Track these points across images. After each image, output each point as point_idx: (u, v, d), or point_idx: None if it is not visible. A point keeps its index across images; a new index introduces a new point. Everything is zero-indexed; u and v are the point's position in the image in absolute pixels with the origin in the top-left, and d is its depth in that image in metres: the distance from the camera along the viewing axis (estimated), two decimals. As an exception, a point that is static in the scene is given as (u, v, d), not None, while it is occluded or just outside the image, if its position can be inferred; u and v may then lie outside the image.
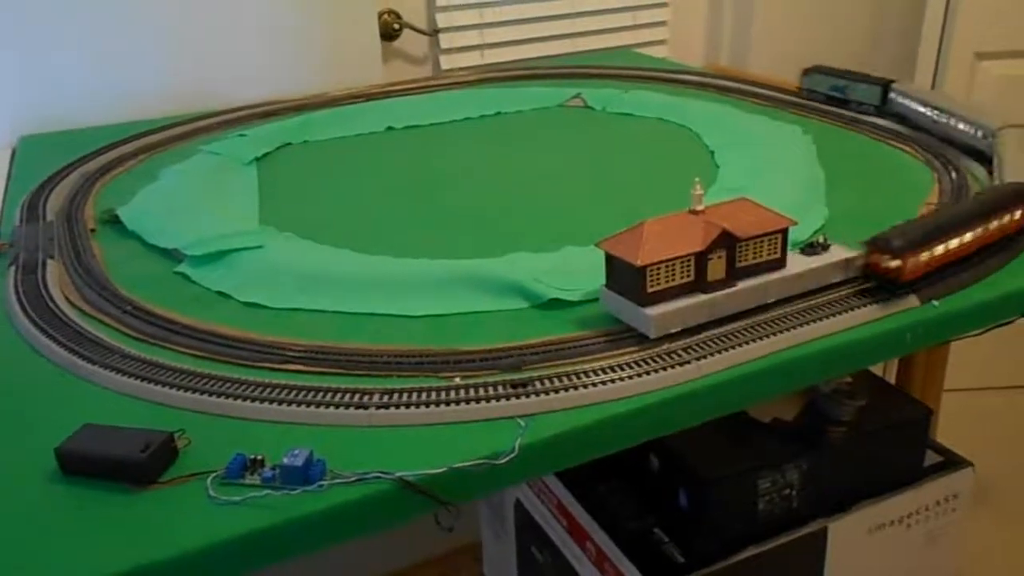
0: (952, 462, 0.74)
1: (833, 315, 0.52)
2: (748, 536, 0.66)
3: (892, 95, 0.92)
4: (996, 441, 1.51)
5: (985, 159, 0.79)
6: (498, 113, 1.06)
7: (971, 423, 1.31)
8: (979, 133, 0.82)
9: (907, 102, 0.90)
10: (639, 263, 0.49)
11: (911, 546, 0.73)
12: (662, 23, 1.47)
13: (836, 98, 0.98)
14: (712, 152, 0.87)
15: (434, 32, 1.30)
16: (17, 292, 0.60)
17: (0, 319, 0.58)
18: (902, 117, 0.91)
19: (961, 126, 0.84)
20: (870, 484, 0.70)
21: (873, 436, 0.70)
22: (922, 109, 0.88)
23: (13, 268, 0.65)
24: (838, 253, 0.56)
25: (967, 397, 1.53)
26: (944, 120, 0.85)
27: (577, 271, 0.59)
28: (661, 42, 1.47)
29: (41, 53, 1.05)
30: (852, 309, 0.53)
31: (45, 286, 0.61)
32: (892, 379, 0.94)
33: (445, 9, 1.30)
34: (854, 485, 0.70)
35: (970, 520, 0.75)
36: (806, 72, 1.03)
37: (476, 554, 1.04)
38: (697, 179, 0.54)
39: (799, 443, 0.68)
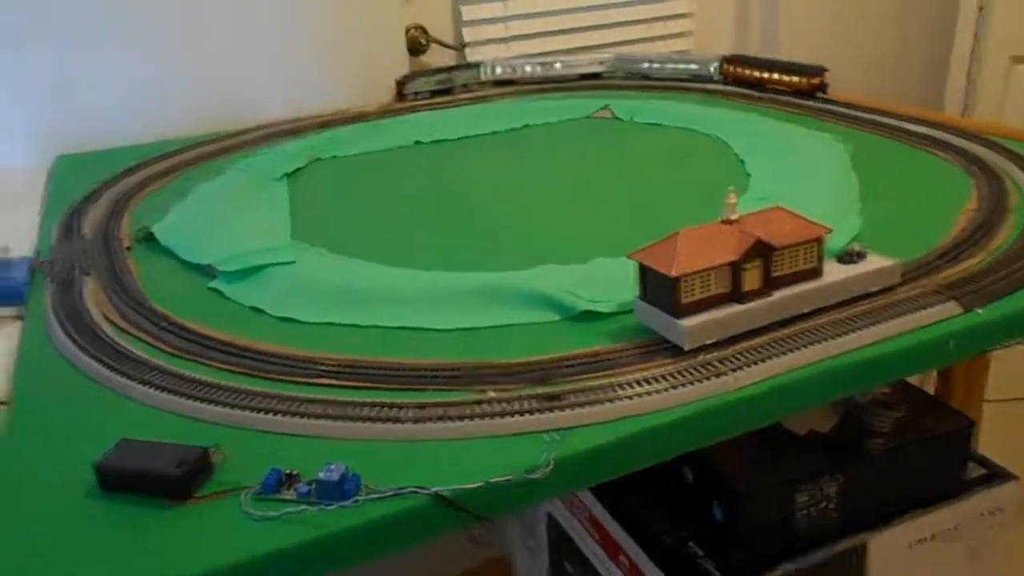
0: (996, 475, 0.72)
1: (872, 324, 0.51)
2: (785, 551, 0.65)
3: (486, 69, 1.16)
4: (1039, 453, 1.47)
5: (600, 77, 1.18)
6: (525, 126, 1.06)
7: (1015, 434, 1.27)
8: (598, 64, 1.17)
9: (505, 68, 1.16)
10: (674, 274, 0.48)
11: (953, 561, 0.71)
12: (688, 33, 1.46)
13: (443, 90, 1.17)
14: (742, 161, 0.86)
15: (461, 47, 1.31)
16: (55, 308, 0.61)
17: (39, 335, 0.59)
18: (509, 81, 1.16)
19: (563, 64, 1.16)
20: (910, 497, 0.69)
21: (913, 448, 0.68)
22: (529, 68, 1.16)
23: (51, 285, 0.66)
24: (875, 262, 0.55)
25: (1010, 408, 1.49)
26: (556, 66, 1.15)
27: (608, 283, 0.58)
28: (686, 52, 1.47)
29: (76, 76, 1.07)
30: (892, 318, 0.52)
31: (82, 302, 0.62)
32: (931, 389, 0.92)
33: (471, 23, 1.30)
34: (894, 498, 0.68)
35: (1015, 535, 0.73)
36: (401, 82, 1.18)
37: (505, 567, 1.03)
38: (731, 188, 0.53)
39: (836, 455, 0.66)
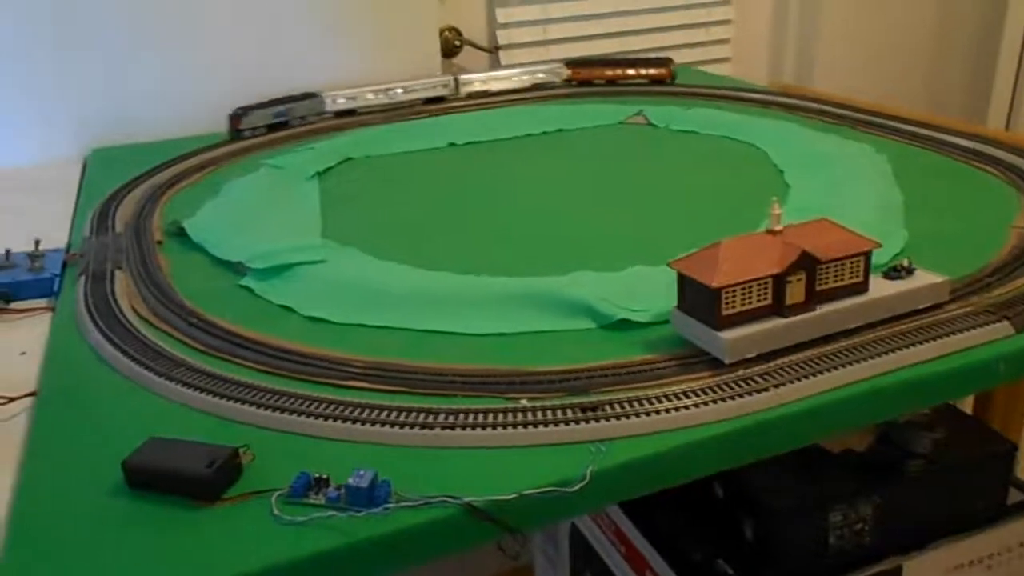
0: (1038, 501, 0.70)
1: (919, 343, 0.50)
2: (818, 572, 0.63)
3: (324, 100, 1.11)
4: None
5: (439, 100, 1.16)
6: (559, 130, 1.05)
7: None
8: (442, 88, 1.16)
9: (348, 99, 1.12)
10: (715, 285, 0.47)
11: (992, 589, 0.69)
12: (725, 40, 1.45)
13: (280, 124, 1.08)
14: (781, 171, 0.85)
15: (494, 49, 1.31)
16: (87, 302, 0.61)
17: (70, 329, 0.59)
18: (350, 112, 1.12)
19: (405, 90, 1.15)
20: (948, 521, 0.67)
21: (952, 470, 0.66)
22: (371, 96, 1.13)
23: (83, 278, 0.65)
24: (924, 278, 0.53)
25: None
26: (397, 91, 1.14)
27: (645, 292, 0.57)
28: (724, 59, 1.45)
29: (113, 70, 1.07)
30: (940, 337, 0.50)
31: (114, 297, 0.62)
32: (968, 409, 0.90)
33: (506, 27, 1.30)
34: (931, 522, 0.66)
35: (1057, 564, 0.71)
36: (236, 117, 1.06)
37: (527, 577, 1.02)
38: (775, 198, 0.52)
39: (872, 475, 0.64)
